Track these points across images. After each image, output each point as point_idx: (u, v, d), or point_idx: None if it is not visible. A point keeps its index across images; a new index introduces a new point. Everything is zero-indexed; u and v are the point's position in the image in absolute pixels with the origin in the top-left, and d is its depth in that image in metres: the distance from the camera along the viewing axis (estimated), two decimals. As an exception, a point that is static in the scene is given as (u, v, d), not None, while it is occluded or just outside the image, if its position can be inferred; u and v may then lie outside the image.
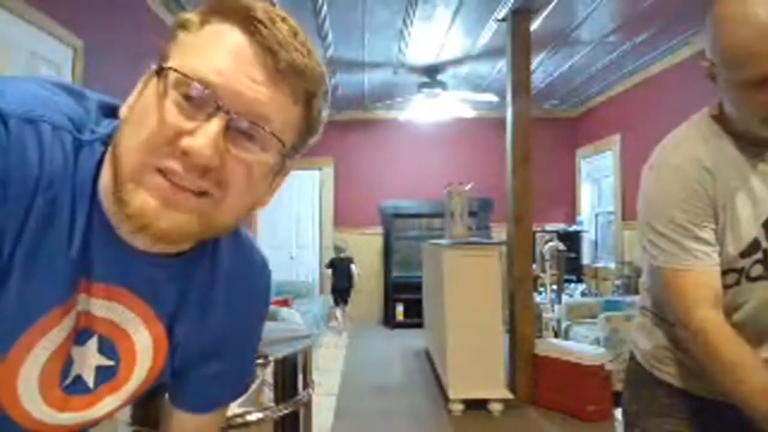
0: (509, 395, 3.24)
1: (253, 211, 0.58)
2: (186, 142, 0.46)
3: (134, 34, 3.10)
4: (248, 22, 0.48)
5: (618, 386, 3.23)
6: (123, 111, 0.52)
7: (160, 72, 0.48)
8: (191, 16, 0.51)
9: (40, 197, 0.48)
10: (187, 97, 0.47)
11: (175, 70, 0.47)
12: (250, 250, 0.71)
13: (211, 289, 0.64)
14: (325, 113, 0.57)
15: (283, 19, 0.50)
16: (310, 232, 6.49)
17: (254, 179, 0.51)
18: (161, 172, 0.47)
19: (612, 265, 5.36)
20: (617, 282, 4.88)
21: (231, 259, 0.66)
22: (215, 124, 0.47)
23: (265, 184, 0.54)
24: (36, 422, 0.57)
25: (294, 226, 6.52)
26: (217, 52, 0.48)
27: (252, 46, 0.48)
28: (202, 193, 0.49)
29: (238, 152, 0.49)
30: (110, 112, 0.57)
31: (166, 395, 0.74)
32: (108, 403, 0.63)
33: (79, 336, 0.57)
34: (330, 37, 4.01)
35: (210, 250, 0.62)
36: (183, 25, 0.51)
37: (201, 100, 0.47)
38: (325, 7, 3.48)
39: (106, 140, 0.53)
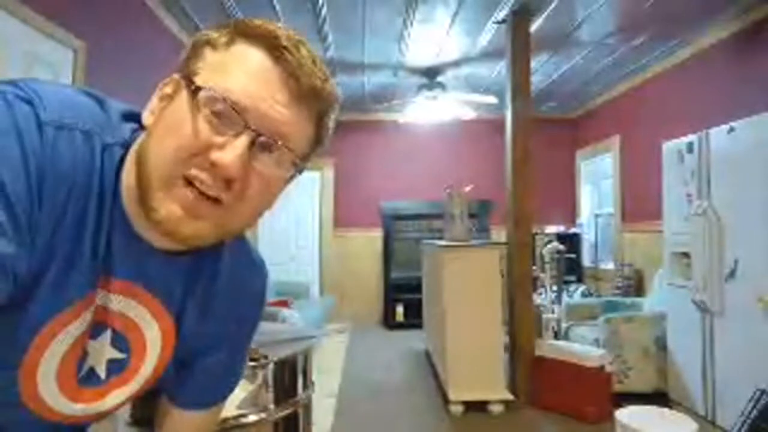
0: (509, 396, 3.24)
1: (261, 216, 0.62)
2: (216, 155, 0.51)
3: (135, 36, 3.11)
4: (274, 48, 0.53)
5: (618, 387, 3.23)
6: (147, 118, 0.57)
7: (195, 90, 0.52)
8: (218, 36, 0.55)
9: (74, 198, 0.52)
10: (217, 114, 0.52)
11: (209, 89, 0.52)
12: (250, 250, 0.76)
13: (213, 284, 0.68)
14: (331, 131, 0.62)
15: (303, 45, 0.55)
16: (310, 232, 6.49)
17: (269, 191, 0.57)
18: (188, 182, 0.52)
19: (612, 267, 5.36)
20: (617, 283, 4.88)
21: (232, 257, 0.70)
22: (243, 141, 0.52)
23: (278, 191, 0.59)
24: (49, 410, 0.60)
25: (294, 226, 6.51)
26: (244, 74, 0.53)
27: (277, 70, 0.53)
28: (218, 202, 0.53)
29: (260, 167, 0.54)
30: (128, 116, 0.61)
31: (163, 396, 0.76)
32: (116, 395, 0.66)
33: (94, 330, 0.60)
34: (330, 38, 4.01)
35: (214, 248, 0.66)
36: (210, 43, 0.55)
37: (229, 118, 0.52)
38: (325, 9, 3.49)
39: (126, 143, 0.58)
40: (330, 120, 0.60)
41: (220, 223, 0.55)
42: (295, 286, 5.43)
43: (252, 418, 1.30)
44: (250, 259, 0.76)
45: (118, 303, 0.60)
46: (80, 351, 0.59)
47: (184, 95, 0.53)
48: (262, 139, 0.53)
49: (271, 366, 1.35)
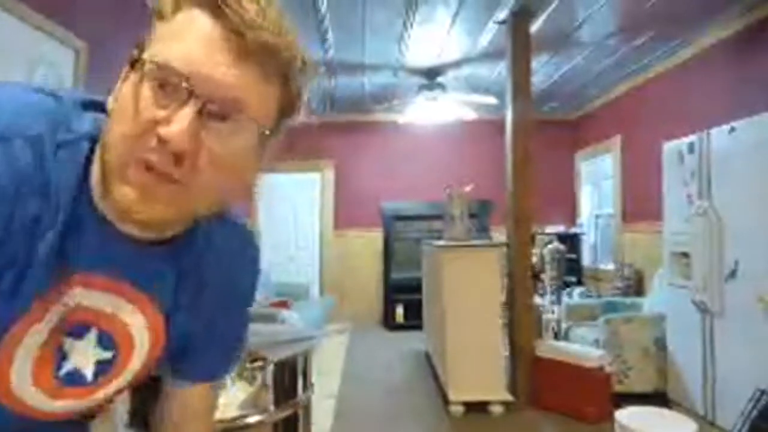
0: (509, 397, 3.24)
1: (240, 192, 0.58)
2: (162, 130, 0.47)
3: (137, 36, 3.11)
4: (215, 5, 0.49)
5: (618, 388, 3.23)
6: (109, 102, 0.54)
7: (134, 63, 0.49)
8: (164, 4, 0.52)
9: (20, 208, 0.50)
10: (161, 86, 0.48)
11: (146, 61, 0.48)
12: (240, 231, 0.73)
13: (202, 269, 0.66)
14: (305, 90, 0.57)
15: (253, 0, 0.50)
16: (310, 233, 6.50)
17: (228, 162, 0.52)
18: (142, 164, 0.49)
19: (612, 267, 5.36)
20: (617, 284, 4.88)
21: (221, 239, 0.68)
22: (188, 111, 0.48)
23: (245, 164, 0.54)
24: (31, 409, 0.59)
25: (294, 227, 6.52)
26: (187, 39, 0.49)
27: (219, 29, 0.49)
28: (173, 181, 0.50)
29: (213, 137, 0.50)
30: (91, 106, 0.58)
31: (165, 371, 0.76)
32: (108, 389, 0.65)
33: (77, 330, 0.58)
34: (330, 39, 4.01)
35: (200, 232, 0.64)
36: (157, 13, 0.52)
37: (173, 88, 0.48)
38: (325, 9, 3.49)
39: (93, 135, 0.55)
40: (298, 78, 0.54)
41: (180, 203, 0.51)
42: (295, 286, 5.43)
43: (252, 419, 1.30)
44: (240, 240, 0.73)
45: (98, 299, 0.58)
46: (55, 349, 0.58)
47: (131, 73, 0.50)
48: (212, 106, 0.48)
49: (270, 367, 1.35)
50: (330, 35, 3.95)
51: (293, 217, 6.50)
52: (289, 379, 1.41)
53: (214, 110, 0.49)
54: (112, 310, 0.60)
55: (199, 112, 0.48)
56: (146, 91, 0.49)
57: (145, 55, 0.49)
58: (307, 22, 3.68)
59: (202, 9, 0.50)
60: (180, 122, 0.47)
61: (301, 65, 0.54)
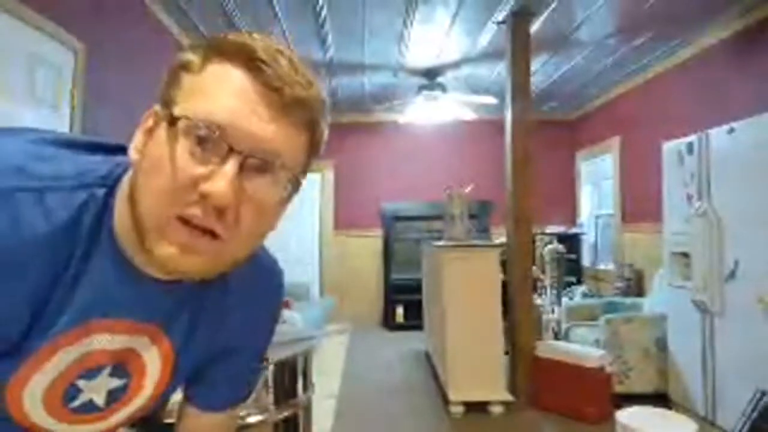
0: (509, 397, 3.24)
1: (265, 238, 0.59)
2: (205, 187, 0.47)
3: (135, 37, 3.11)
4: (250, 62, 0.50)
5: (618, 388, 3.23)
6: (132, 154, 0.53)
7: (172, 120, 0.49)
8: (193, 58, 0.52)
9: (31, 264, 0.50)
10: (199, 142, 0.48)
11: (186, 118, 0.48)
12: (260, 256, 0.73)
13: (223, 302, 0.67)
14: (326, 134, 0.58)
15: (282, 53, 0.51)
16: (310, 233, 6.50)
17: (267, 213, 0.53)
18: (181, 219, 0.49)
19: (612, 267, 5.36)
20: (617, 284, 4.88)
21: (245, 272, 0.67)
22: (231, 166, 0.48)
23: (281, 211, 0.56)
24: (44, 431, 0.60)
25: (294, 228, 6.51)
26: (222, 94, 0.49)
27: (256, 85, 0.49)
28: (214, 235, 0.50)
29: (253, 190, 0.50)
30: (99, 149, 0.59)
31: (182, 395, 0.76)
32: (118, 415, 0.65)
33: (90, 372, 0.59)
34: (330, 39, 4.01)
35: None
36: (185, 67, 0.52)
37: (213, 144, 0.48)
38: (325, 10, 3.49)
39: (105, 182, 0.55)
40: (323, 124, 0.56)
41: (218, 255, 0.52)
42: (295, 287, 5.42)
43: (252, 419, 1.30)
44: (261, 266, 0.73)
45: (116, 343, 0.58)
46: (67, 387, 0.58)
47: (163, 128, 0.50)
48: (251, 160, 0.49)
49: (271, 367, 1.35)
50: (330, 36, 3.95)
51: (294, 218, 6.50)
52: (289, 379, 1.41)
53: (255, 164, 0.50)
54: (128, 346, 0.60)
55: (240, 167, 0.48)
56: (182, 146, 0.48)
57: (177, 111, 0.49)
58: (307, 23, 3.68)
59: (236, 65, 0.50)
60: (223, 178, 0.47)
61: (326, 113, 0.56)
